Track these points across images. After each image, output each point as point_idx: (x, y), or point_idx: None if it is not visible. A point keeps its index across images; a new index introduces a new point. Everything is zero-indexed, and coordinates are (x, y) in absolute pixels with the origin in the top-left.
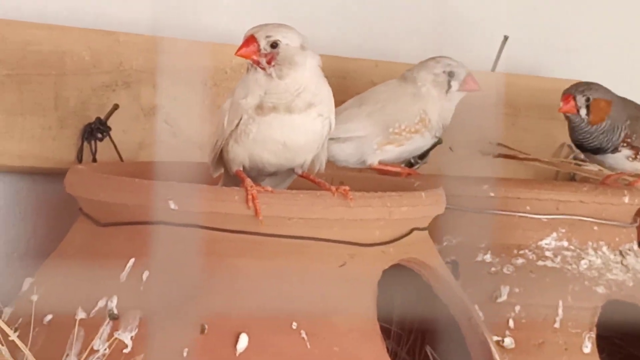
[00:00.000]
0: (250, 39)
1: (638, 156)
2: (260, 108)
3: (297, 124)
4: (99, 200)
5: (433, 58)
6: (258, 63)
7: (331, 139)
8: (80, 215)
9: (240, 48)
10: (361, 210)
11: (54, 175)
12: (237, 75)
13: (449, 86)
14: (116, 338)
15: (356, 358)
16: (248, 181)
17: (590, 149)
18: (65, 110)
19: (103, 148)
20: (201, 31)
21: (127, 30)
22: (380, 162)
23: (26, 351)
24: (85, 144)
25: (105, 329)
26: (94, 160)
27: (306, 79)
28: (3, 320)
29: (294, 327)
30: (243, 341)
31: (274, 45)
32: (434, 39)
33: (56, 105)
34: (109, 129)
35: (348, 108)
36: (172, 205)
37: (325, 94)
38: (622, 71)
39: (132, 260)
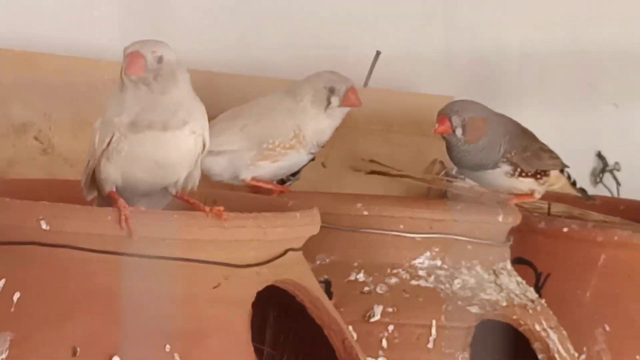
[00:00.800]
0: (137, 55)
1: (516, 173)
2: (134, 125)
3: (171, 141)
4: None
5: (317, 73)
6: (145, 79)
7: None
8: None
9: (130, 65)
10: (235, 231)
11: None
12: (108, 91)
13: (329, 102)
14: None
15: None
16: (121, 201)
17: (469, 166)
18: None
19: None
20: (74, 47)
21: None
22: (253, 178)
23: None
24: None
25: None
26: None
27: (183, 95)
28: None
29: (168, 350)
30: None
31: (160, 60)
32: (308, 54)
33: None
34: None
35: (223, 120)
36: (44, 225)
37: (198, 110)
38: (492, 86)
39: (3, 280)
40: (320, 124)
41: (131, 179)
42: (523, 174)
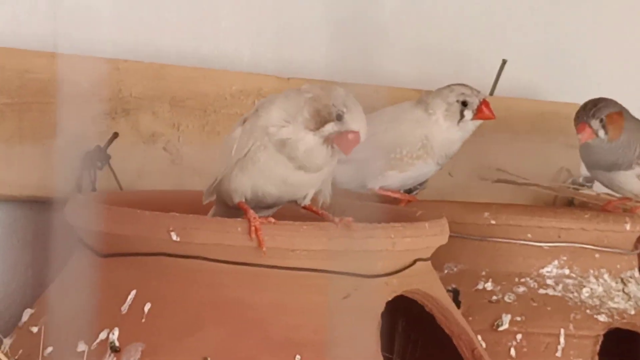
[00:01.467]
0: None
1: None
2: (283, 143)
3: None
4: (100, 231)
5: (448, 86)
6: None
7: None
8: (80, 245)
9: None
10: (364, 241)
11: (54, 204)
12: (236, 101)
13: (462, 116)
14: None
15: None
16: (251, 212)
17: (605, 166)
18: (64, 139)
19: (102, 176)
20: (202, 58)
21: (126, 57)
22: (381, 188)
23: None
24: (85, 172)
25: None
26: (94, 189)
27: None
28: (2, 352)
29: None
30: None
31: None
32: (434, 64)
33: (55, 133)
34: (109, 157)
35: None
36: (174, 237)
37: None
38: (621, 90)
39: (134, 292)
40: (451, 136)
41: (260, 192)
42: None
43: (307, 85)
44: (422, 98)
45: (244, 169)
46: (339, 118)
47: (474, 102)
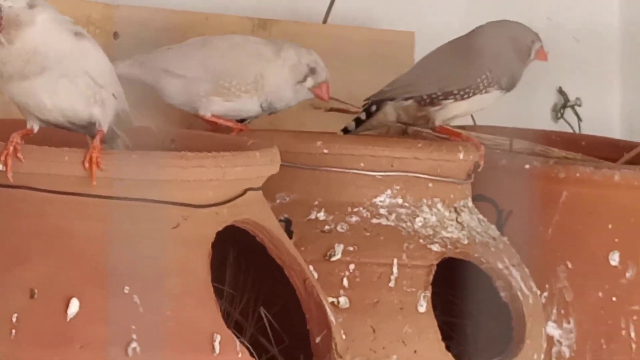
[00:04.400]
0: None
1: None
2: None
3: (39, 89)
4: None
5: (308, 49)
6: None
7: (164, 70)
8: None
9: None
10: (194, 170)
11: None
12: None
13: (304, 79)
14: None
15: (190, 322)
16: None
17: None
18: None
19: None
20: None
21: None
22: (213, 115)
23: None
24: None
25: None
26: None
27: (37, 40)
28: None
29: (126, 291)
30: (74, 306)
31: None
32: None
33: None
34: None
35: (190, 45)
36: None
37: (72, 50)
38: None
39: None
40: (284, 90)
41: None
42: None
43: None
44: (278, 42)
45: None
46: None
47: (321, 75)
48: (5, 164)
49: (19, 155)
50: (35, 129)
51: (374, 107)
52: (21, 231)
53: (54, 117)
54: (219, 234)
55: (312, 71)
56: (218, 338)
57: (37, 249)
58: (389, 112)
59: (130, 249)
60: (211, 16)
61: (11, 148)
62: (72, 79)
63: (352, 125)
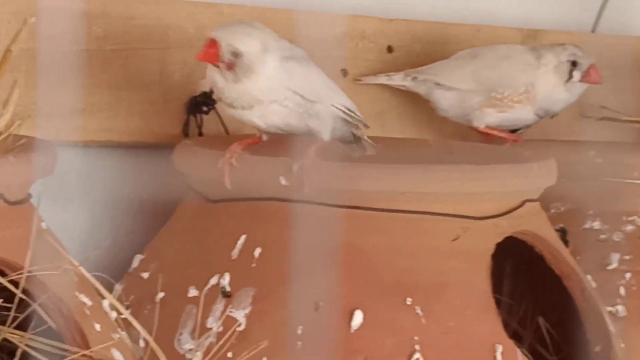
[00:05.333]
0: (212, 44)
1: None
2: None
3: (251, 116)
4: (208, 177)
5: (561, 44)
6: (218, 67)
7: (436, 83)
8: (188, 190)
9: (201, 52)
10: (474, 183)
11: (160, 149)
12: (340, 44)
13: (570, 76)
14: (229, 316)
15: (472, 333)
16: None
17: None
18: (170, 84)
19: (209, 121)
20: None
21: (230, 2)
22: (486, 126)
23: (140, 328)
24: (191, 117)
25: (218, 306)
26: (200, 133)
27: (258, 86)
28: (115, 298)
29: (409, 303)
30: (358, 318)
31: (235, 54)
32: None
33: (161, 79)
34: (214, 102)
35: (461, 58)
36: (283, 182)
37: (277, 79)
38: None
39: (244, 237)
40: (556, 94)
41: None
42: None
43: None
44: (535, 47)
45: None
46: None
47: (584, 64)
48: (223, 170)
49: (233, 161)
50: (264, 138)
51: None
52: (307, 245)
53: (274, 131)
54: (497, 245)
55: (574, 64)
56: (500, 349)
57: (322, 263)
58: None
59: (412, 261)
60: (482, 28)
61: (228, 156)
62: (281, 102)
63: None
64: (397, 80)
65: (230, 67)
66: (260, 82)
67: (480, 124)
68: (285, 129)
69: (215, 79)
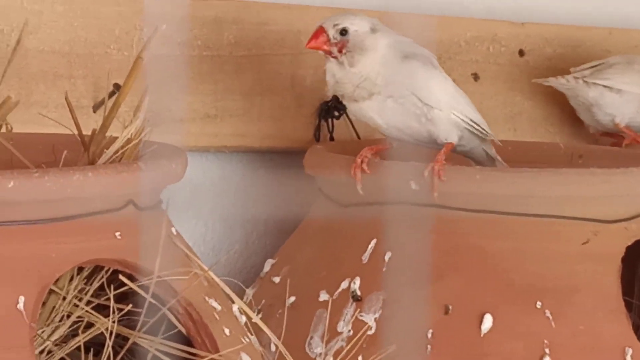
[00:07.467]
0: (319, 30)
1: None
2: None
3: (368, 110)
4: (340, 181)
5: None
6: (330, 53)
7: (605, 86)
8: (319, 195)
9: (310, 40)
10: (603, 186)
11: (292, 154)
12: (471, 48)
13: None
14: (360, 320)
15: (601, 336)
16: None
17: None
18: (302, 89)
19: (340, 126)
20: (435, 4)
21: (360, 7)
22: (626, 126)
23: (269, 333)
24: (322, 122)
25: (349, 310)
26: (331, 138)
27: (374, 66)
28: (245, 302)
29: (539, 307)
30: (488, 321)
31: (343, 32)
32: None
33: (293, 84)
34: (345, 107)
35: (619, 63)
36: (414, 186)
37: (394, 75)
38: None
39: (374, 241)
40: None
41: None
42: None
43: None
44: None
45: None
46: None
47: None
48: (354, 175)
49: (364, 166)
50: (394, 144)
51: None
52: (435, 249)
53: (396, 134)
54: (628, 248)
55: None
56: (630, 352)
57: (452, 266)
58: None
59: (542, 265)
60: (614, 30)
61: (359, 161)
62: (397, 99)
63: None
64: (555, 82)
65: (341, 48)
66: (375, 58)
67: (622, 121)
68: (407, 132)
69: (333, 71)
